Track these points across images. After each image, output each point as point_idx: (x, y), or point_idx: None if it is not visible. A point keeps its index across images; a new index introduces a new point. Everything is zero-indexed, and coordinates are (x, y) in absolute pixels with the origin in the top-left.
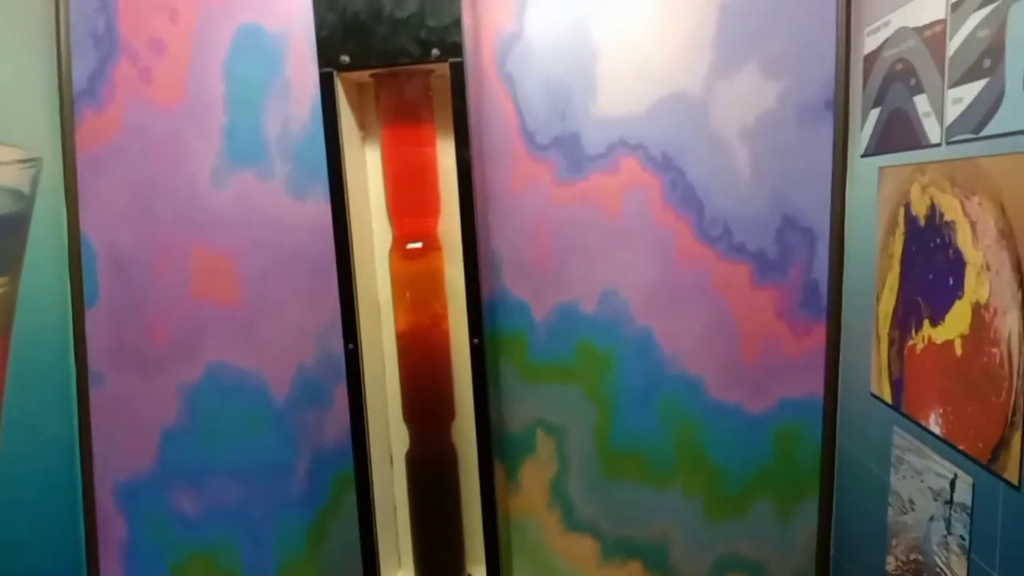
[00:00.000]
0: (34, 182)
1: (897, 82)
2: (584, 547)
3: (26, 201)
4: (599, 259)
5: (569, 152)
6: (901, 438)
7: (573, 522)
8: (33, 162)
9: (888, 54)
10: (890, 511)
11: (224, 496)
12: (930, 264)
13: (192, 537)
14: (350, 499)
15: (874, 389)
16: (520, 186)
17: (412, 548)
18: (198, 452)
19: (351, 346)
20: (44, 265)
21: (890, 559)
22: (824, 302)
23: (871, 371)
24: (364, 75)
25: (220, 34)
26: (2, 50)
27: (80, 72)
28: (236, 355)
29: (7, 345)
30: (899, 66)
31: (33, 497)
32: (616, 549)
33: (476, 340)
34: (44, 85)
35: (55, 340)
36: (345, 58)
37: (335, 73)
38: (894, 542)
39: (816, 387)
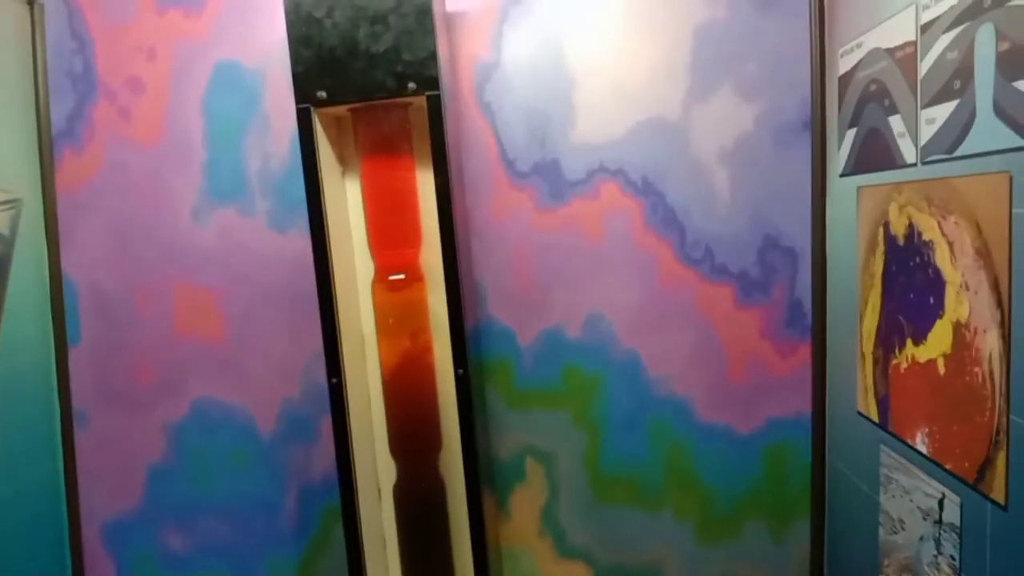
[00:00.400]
0: (14, 224)
1: (872, 102)
2: (577, 573)
3: (6, 243)
4: (583, 284)
5: (550, 179)
6: (889, 457)
7: (565, 549)
8: (13, 203)
9: (862, 75)
10: (881, 531)
11: (213, 532)
12: (911, 283)
13: (181, 575)
14: (339, 532)
15: (860, 408)
16: (502, 214)
17: None
18: (186, 489)
19: (335, 380)
20: (26, 307)
21: None
22: (809, 321)
23: (857, 390)
24: (342, 109)
25: (198, 71)
26: None
27: (59, 113)
28: (221, 390)
29: None
30: (873, 87)
31: (19, 541)
32: (609, 574)
33: (461, 370)
34: (22, 126)
35: (38, 381)
36: (322, 93)
37: (312, 108)
38: (886, 562)
39: (803, 405)
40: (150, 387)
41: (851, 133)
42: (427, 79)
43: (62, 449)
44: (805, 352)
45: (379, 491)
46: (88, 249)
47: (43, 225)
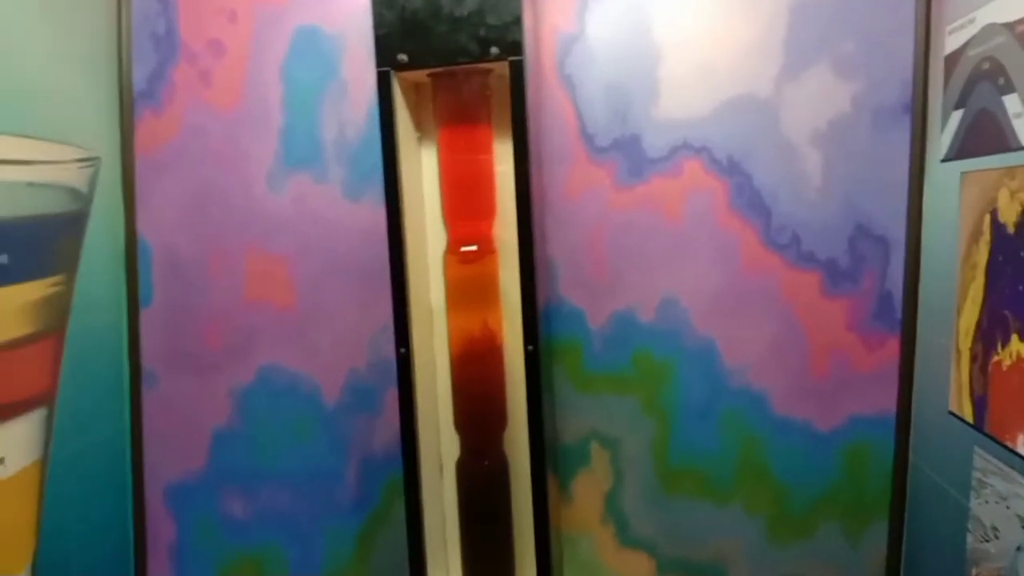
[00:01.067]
0: (92, 181)
1: (983, 82)
2: (639, 565)
3: (84, 200)
4: (658, 266)
5: (629, 155)
6: (983, 460)
7: (628, 538)
8: (91, 161)
9: (973, 53)
10: (970, 538)
11: (273, 500)
12: (1020, 275)
13: (240, 541)
14: (399, 507)
15: (952, 407)
16: (578, 190)
17: (460, 559)
18: (248, 455)
19: (403, 350)
20: (100, 264)
21: None
22: (898, 314)
23: (949, 388)
24: (421, 75)
25: (278, 35)
26: (64, 52)
27: (140, 74)
28: (288, 358)
29: (62, 344)
30: (986, 65)
31: (84, 497)
32: (673, 568)
33: (531, 347)
34: (105, 86)
35: (109, 339)
36: (403, 57)
37: (392, 72)
38: (974, 571)
39: (888, 404)
40: (218, 351)
41: (956, 115)
42: (511, 44)
43: (129, 408)
44: (893, 347)
45: (441, 467)
46: (163, 211)
47: (120, 185)
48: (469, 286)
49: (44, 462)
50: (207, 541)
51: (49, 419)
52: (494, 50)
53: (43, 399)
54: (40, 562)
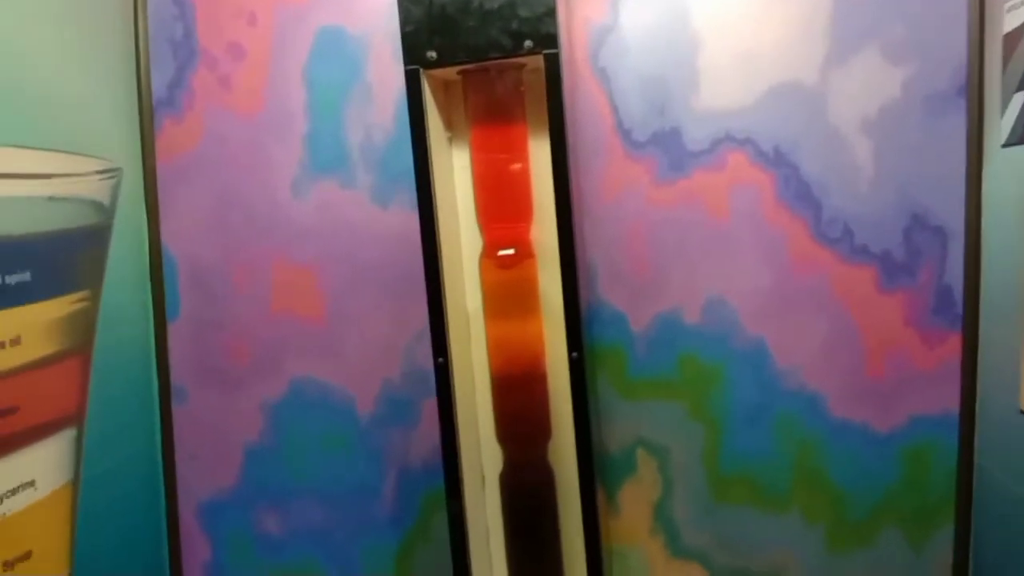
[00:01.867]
0: (114, 193)
1: None
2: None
3: (106, 213)
4: (703, 264)
5: (669, 149)
6: None
7: (679, 549)
8: (113, 173)
9: None
10: None
11: (308, 516)
12: None
13: (276, 559)
14: (439, 521)
15: (1023, 406)
16: (615, 188)
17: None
18: (282, 470)
19: (441, 360)
20: (125, 278)
21: None
22: (959, 309)
23: (1018, 386)
24: (451, 72)
25: (300, 37)
26: (82, 61)
27: (159, 81)
28: (319, 370)
29: (89, 361)
30: None
31: (117, 516)
32: None
33: (575, 354)
34: (123, 95)
35: (137, 355)
36: (432, 54)
37: (421, 71)
38: None
39: (951, 403)
40: (247, 365)
41: (1018, 97)
42: (545, 37)
43: (160, 425)
44: (955, 343)
45: (483, 479)
46: (187, 221)
47: (143, 195)
48: (507, 292)
49: (75, 483)
50: (242, 559)
51: (79, 439)
52: (528, 43)
53: (72, 419)
54: None
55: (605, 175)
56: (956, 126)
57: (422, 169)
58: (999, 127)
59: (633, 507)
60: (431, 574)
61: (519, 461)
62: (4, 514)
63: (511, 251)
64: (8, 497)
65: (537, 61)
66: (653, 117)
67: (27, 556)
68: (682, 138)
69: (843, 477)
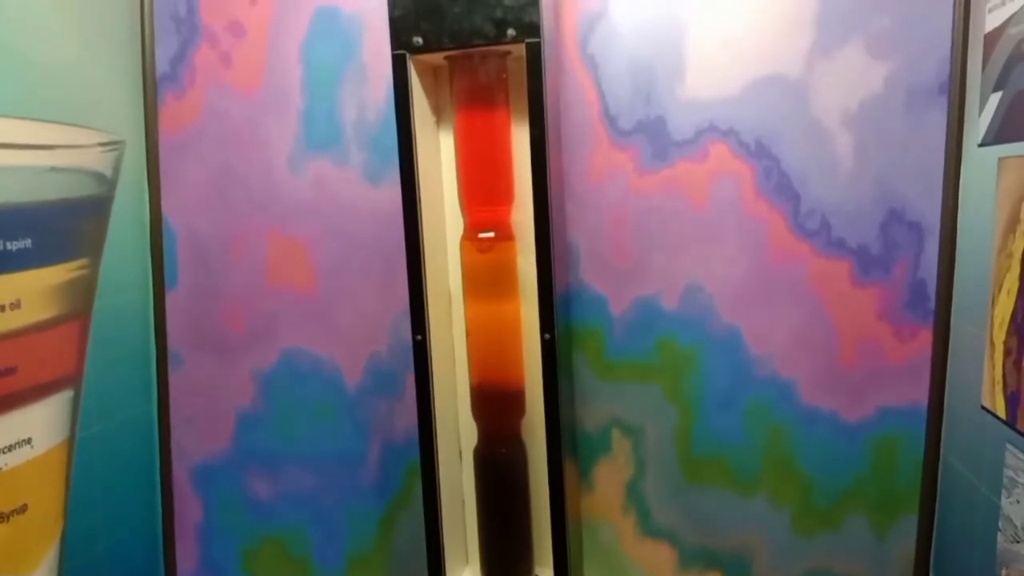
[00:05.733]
0: (116, 165)
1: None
2: (661, 554)
3: (109, 184)
4: (683, 252)
5: (654, 138)
6: (1015, 458)
7: (650, 527)
8: (115, 145)
9: (1014, 31)
10: (1000, 537)
11: (296, 482)
12: None
13: (264, 521)
14: (420, 490)
15: (985, 402)
16: (600, 174)
17: (479, 545)
18: (272, 436)
19: (419, 337)
20: (126, 247)
21: None
22: (932, 304)
23: (983, 382)
24: (438, 58)
25: (298, 17)
26: (87, 35)
27: (162, 56)
28: (310, 341)
29: (88, 326)
30: None
31: (112, 475)
32: (695, 558)
33: (547, 335)
34: (127, 69)
35: (136, 321)
36: (418, 40)
37: (408, 56)
38: (1004, 572)
39: (920, 396)
40: (242, 334)
41: (995, 98)
42: (527, 26)
43: (156, 389)
44: (926, 338)
45: (460, 453)
46: (187, 194)
47: (144, 168)
48: (487, 273)
49: (72, 442)
50: (232, 521)
51: (76, 400)
52: (511, 32)
53: (70, 381)
54: (68, 539)
55: (590, 161)
56: (937, 123)
57: (406, 152)
58: (978, 126)
59: (606, 484)
60: (412, 540)
61: (493, 436)
62: (1, 468)
63: (491, 234)
64: (5, 452)
65: (520, 49)
66: (639, 105)
67: (23, 509)
68: (666, 127)
69: (811, 463)
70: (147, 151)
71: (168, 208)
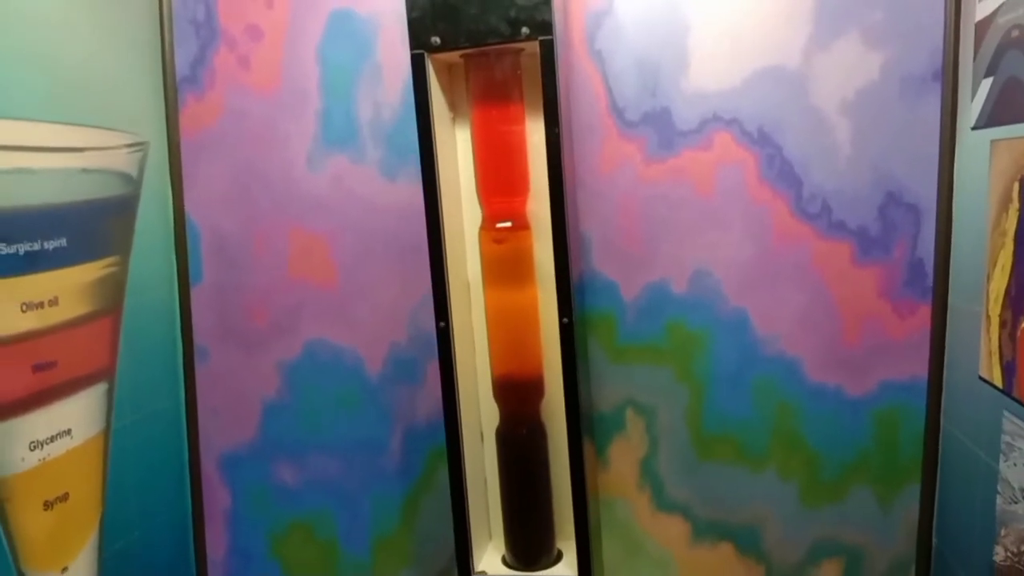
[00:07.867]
0: (141, 166)
1: (1013, 49)
2: (674, 528)
3: (134, 184)
4: (690, 238)
5: (660, 128)
6: (1012, 424)
7: (663, 502)
8: (140, 146)
9: (1003, 20)
10: (999, 500)
11: (321, 469)
12: None
13: (291, 507)
14: (442, 473)
15: (983, 372)
16: (609, 165)
17: (503, 523)
18: (297, 426)
19: (442, 324)
20: (152, 245)
21: (999, 549)
22: (930, 281)
23: (980, 354)
24: (454, 56)
25: (314, 19)
26: (110, 40)
27: (182, 59)
28: (332, 333)
29: (119, 321)
30: (1015, 32)
31: (145, 464)
32: (707, 531)
33: (566, 319)
34: (149, 73)
35: (163, 317)
36: (436, 39)
37: (426, 55)
38: (1003, 532)
39: (920, 370)
40: (265, 327)
41: (986, 83)
42: (540, 24)
43: (184, 381)
44: (924, 314)
45: (482, 435)
46: (209, 192)
47: (168, 168)
48: (504, 261)
49: (107, 433)
50: (259, 508)
51: (110, 393)
52: (524, 30)
53: (104, 374)
54: (106, 526)
55: (599, 153)
56: (931, 109)
57: (426, 148)
58: (970, 110)
59: (621, 462)
60: (435, 522)
61: (514, 418)
62: (44, 458)
63: (508, 224)
64: (48, 443)
65: (533, 46)
66: (645, 98)
67: (65, 497)
68: (672, 118)
69: (817, 438)
70: (169, 151)
71: (191, 206)
